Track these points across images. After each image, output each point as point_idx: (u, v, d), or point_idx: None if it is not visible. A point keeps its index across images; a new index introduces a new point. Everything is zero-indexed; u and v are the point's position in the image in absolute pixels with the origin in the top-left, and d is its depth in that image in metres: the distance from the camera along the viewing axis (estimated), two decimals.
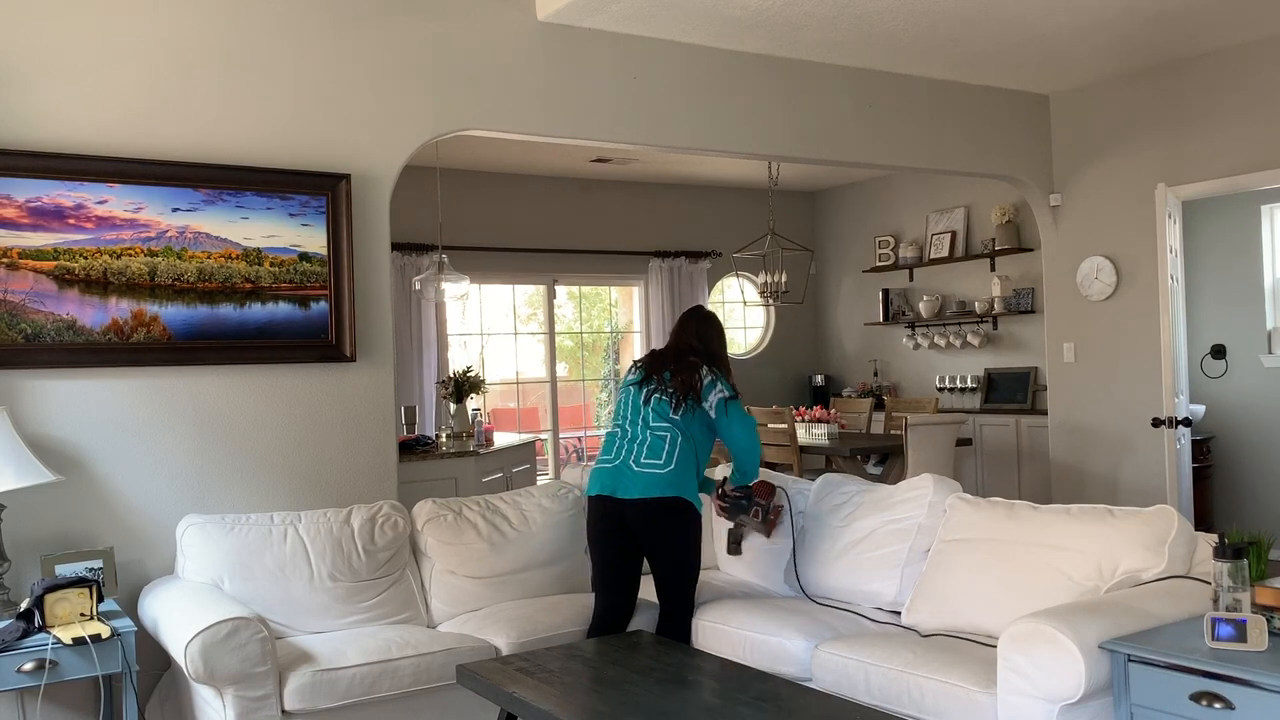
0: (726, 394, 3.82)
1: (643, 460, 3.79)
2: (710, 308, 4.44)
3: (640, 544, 3.84)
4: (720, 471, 4.15)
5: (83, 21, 3.80)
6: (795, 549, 4.14)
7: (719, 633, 3.80)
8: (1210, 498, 7.10)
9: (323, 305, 4.18)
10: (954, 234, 8.61)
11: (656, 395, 3.86)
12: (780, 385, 9.81)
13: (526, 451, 6.61)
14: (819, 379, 9.76)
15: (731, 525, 4.17)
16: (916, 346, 9.04)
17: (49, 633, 3.11)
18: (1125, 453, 6.21)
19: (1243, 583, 2.65)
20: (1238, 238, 7.13)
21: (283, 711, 3.22)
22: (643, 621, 3.93)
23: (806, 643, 3.53)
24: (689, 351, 3.93)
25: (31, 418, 3.67)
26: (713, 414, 3.83)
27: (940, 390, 8.68)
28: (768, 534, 4.14)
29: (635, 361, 4.06)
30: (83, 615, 3.20)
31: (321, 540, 3.80)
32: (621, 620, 3.86)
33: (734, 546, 4.21)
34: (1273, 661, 2.50)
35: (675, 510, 3.78)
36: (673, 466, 3.78)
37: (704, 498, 4.04)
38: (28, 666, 3.03)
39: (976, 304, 8.33)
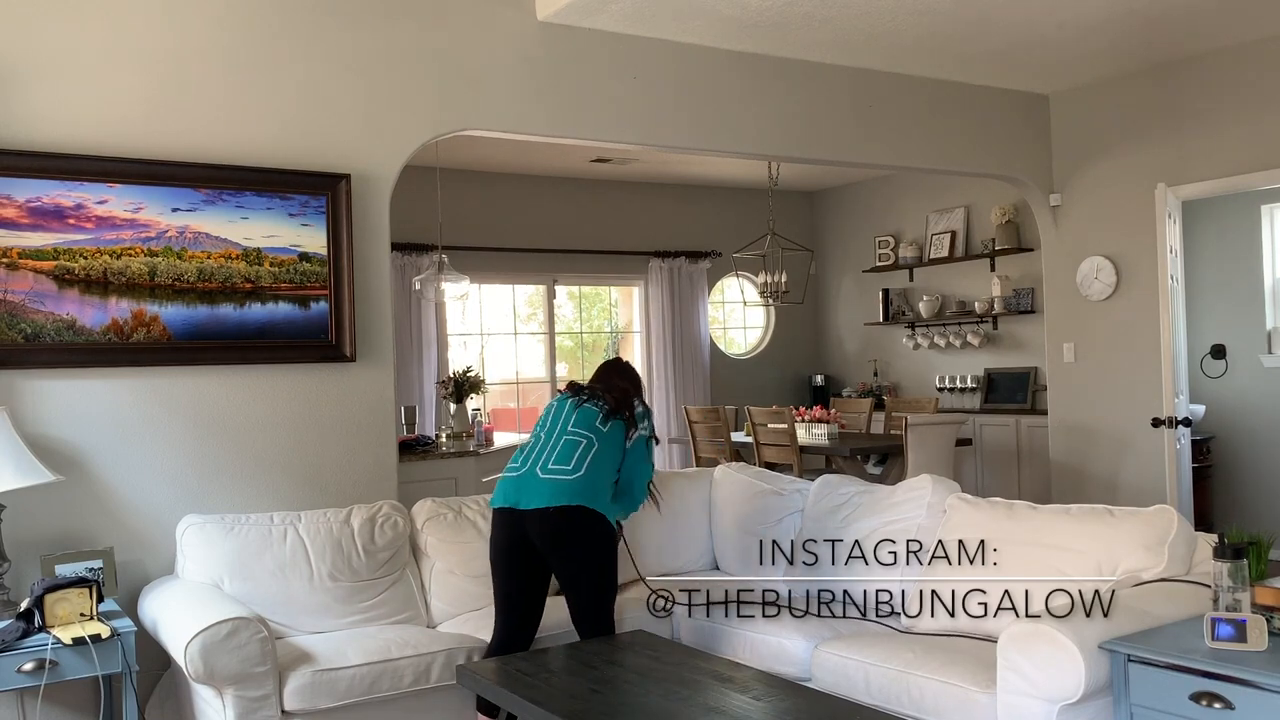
0: (648, 433, 3.65)
1: (550, 466, 3.45)
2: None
3: (546, 562, 3.49)
4: None
5: (83, 22, 3.80)
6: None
7: (717, 632, 3.80)
8: (1210, 498, 7.09)
9: (323, 305, 4.18)
10: (954, 234, 8.61)
11: (585, 405, 3.59)
12: (780, 385, 9.81)
13: None
14: (819, 379, 9.76)
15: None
16: (916, 346, 9.04)
17: (49, 633, 3.11)
18: (1125, 453, 6.21)
19: (1243, 583, 2.65)
20: (1238, 238, 7.12)
21: (282, 711, 3.22)
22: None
23: (806, 643, 3.53)
24: (622, 387, 3.73)
25: (31, 418, 3.67)
26: (629, 444, 3.59)
27: (940, 390, 8.67)
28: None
29: (561, 391, 3.78)
30: (83, 615, 3.20)
31: (321, 540, 3.80)
32: (521, 650, 3.48)
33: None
34: (1273, 661, 2.50)
35: (581, 521, 3.39)
36: (581, 473, 3.41)
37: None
38: (28, 666, 3.03)
39: (976, 304, 8.32)
